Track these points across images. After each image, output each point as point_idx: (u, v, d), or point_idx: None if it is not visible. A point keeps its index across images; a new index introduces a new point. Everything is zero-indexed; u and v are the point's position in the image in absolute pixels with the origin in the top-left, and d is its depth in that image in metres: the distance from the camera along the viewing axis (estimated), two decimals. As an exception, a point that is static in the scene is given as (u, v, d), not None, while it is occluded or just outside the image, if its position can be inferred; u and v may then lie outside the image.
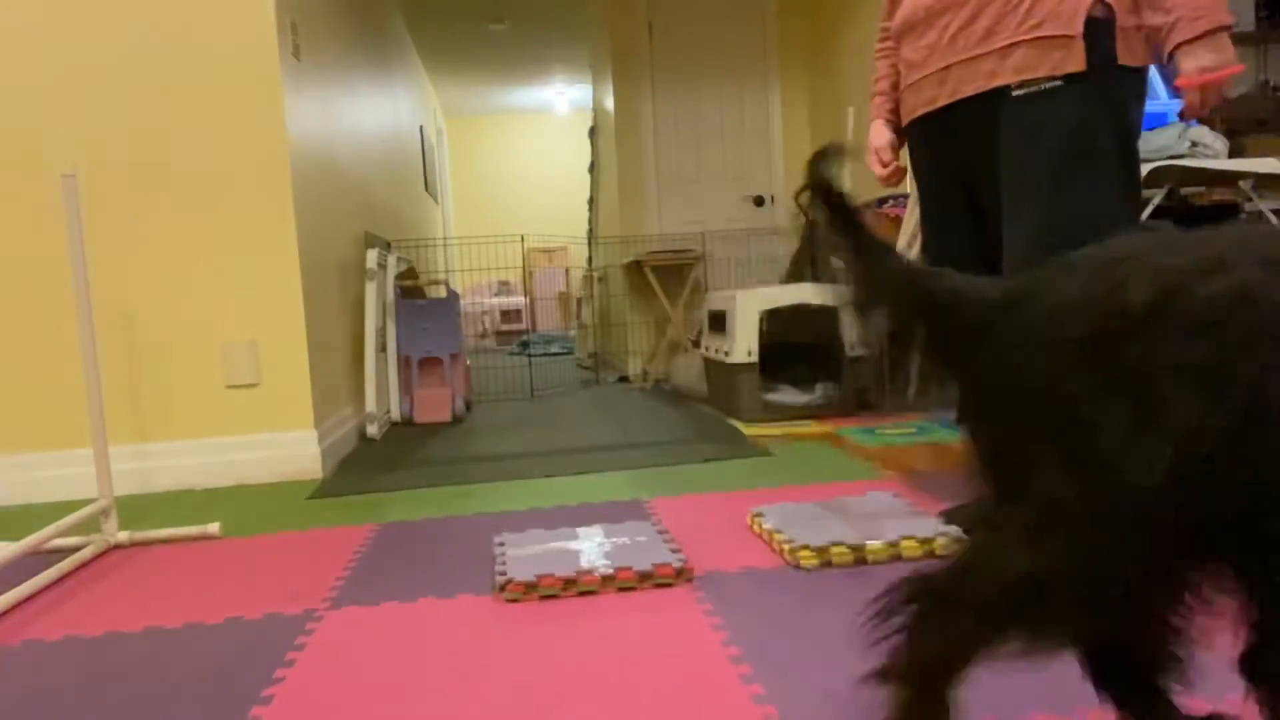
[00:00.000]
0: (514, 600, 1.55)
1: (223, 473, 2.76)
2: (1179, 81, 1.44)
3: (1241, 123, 4.46)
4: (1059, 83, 1.53)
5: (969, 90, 1.62)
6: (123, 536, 2.09)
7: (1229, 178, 3.20)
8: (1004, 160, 1.60)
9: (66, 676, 1.35)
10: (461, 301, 4.45)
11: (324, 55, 3.44)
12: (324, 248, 3.18)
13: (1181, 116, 1.48)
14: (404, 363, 3.97)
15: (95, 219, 2.70)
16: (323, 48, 3.42)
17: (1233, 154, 3.29)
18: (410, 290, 4.29)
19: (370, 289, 3.68)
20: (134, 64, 2.69)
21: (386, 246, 4.28)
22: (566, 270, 9.44)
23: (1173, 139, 3.17)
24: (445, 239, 8.31)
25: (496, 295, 9.50)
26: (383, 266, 3.82)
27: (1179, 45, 1.43)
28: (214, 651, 1.42)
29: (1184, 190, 3.50)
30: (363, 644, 1.40)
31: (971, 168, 1.69)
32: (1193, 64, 1.42)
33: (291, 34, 2.93)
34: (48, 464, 2.71)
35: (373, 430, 3.49)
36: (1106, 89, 1.50)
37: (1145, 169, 3.03)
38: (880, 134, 1.90)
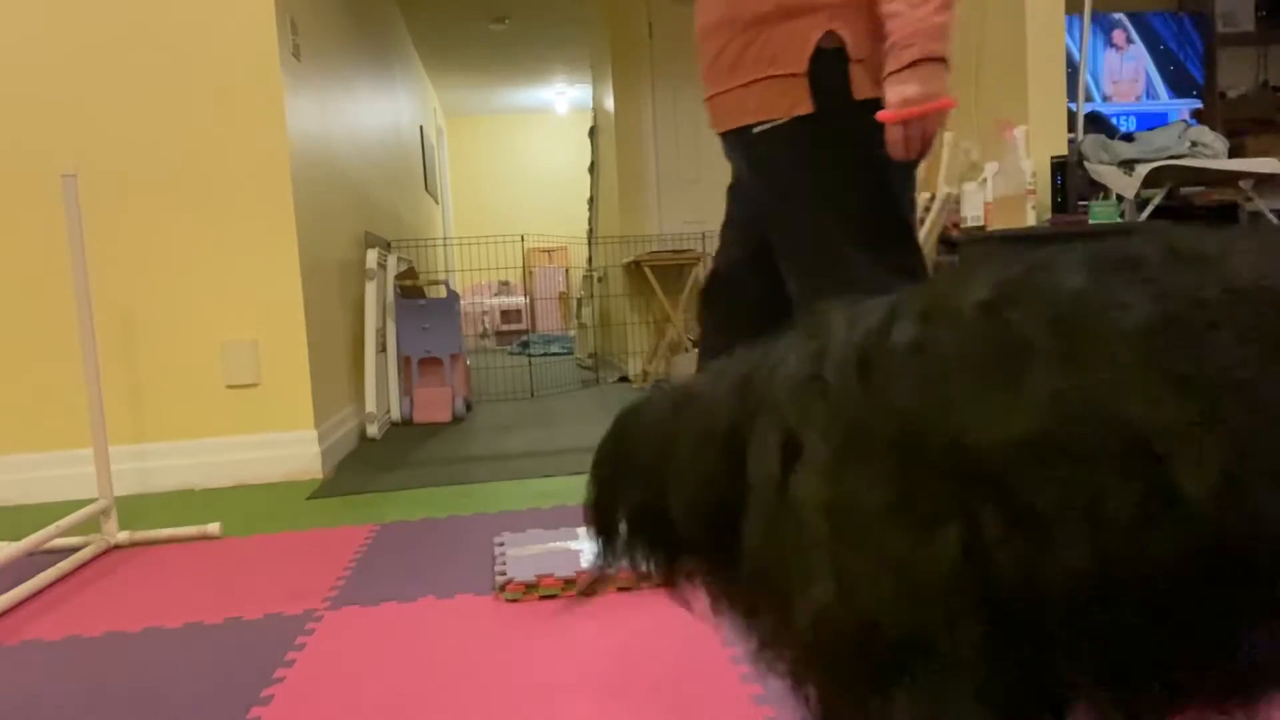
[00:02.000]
0: (514, 600, 1.55)
1: (223, 473, 2.76)
2: (878, 114, 1.32)
3: (1241, 123, 4.46)
4: (787, 121, 1.41)
5: (728, 124, 1.53)
6: (123, 536, 2.09)
7: (1229, 178, 3.20)
8: (753, 198, 1.55)
9: (66, 676, 1.35)
10: (461, 301, 4.45)
11: (324, 55, 3.44)
12: (324, 248, 3.18)
13: (891, 154, 1.34)
14: (404, 363, 3.97)
15: (95, 219, 2.70)
16: (323, 48, 3.42)
17: (1233, 154, 3.29)
18: (410, 290, 4.29)
19: (370, 289, 3.68)
20: (134, 64, 2.69)
21: (386, 246, 4.28)
22: (566, 270, 9.44)
23: (1173, 139, 3.17)
24: (445, 239, 8.31)
25: (496, 295, 9.49)
26: (383, 266, 3.82)
27: (888, 75, 1.31)
28: (214, 651, 1.42)
29: (1184, 190, 3.51)
30: (363, 644, 1.40)
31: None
32: (895, 95, 1.29)
33: (291, 34, 2.93)
34: (48, 464, 2.71)
35: (373, 430, 3.49)
36: (835, 127, 1.38)
37: (1145, 169, 3.03)
38: None
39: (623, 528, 0.79)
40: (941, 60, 1.28)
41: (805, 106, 1.39)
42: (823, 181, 1.42)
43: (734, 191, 1.63)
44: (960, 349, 0.58)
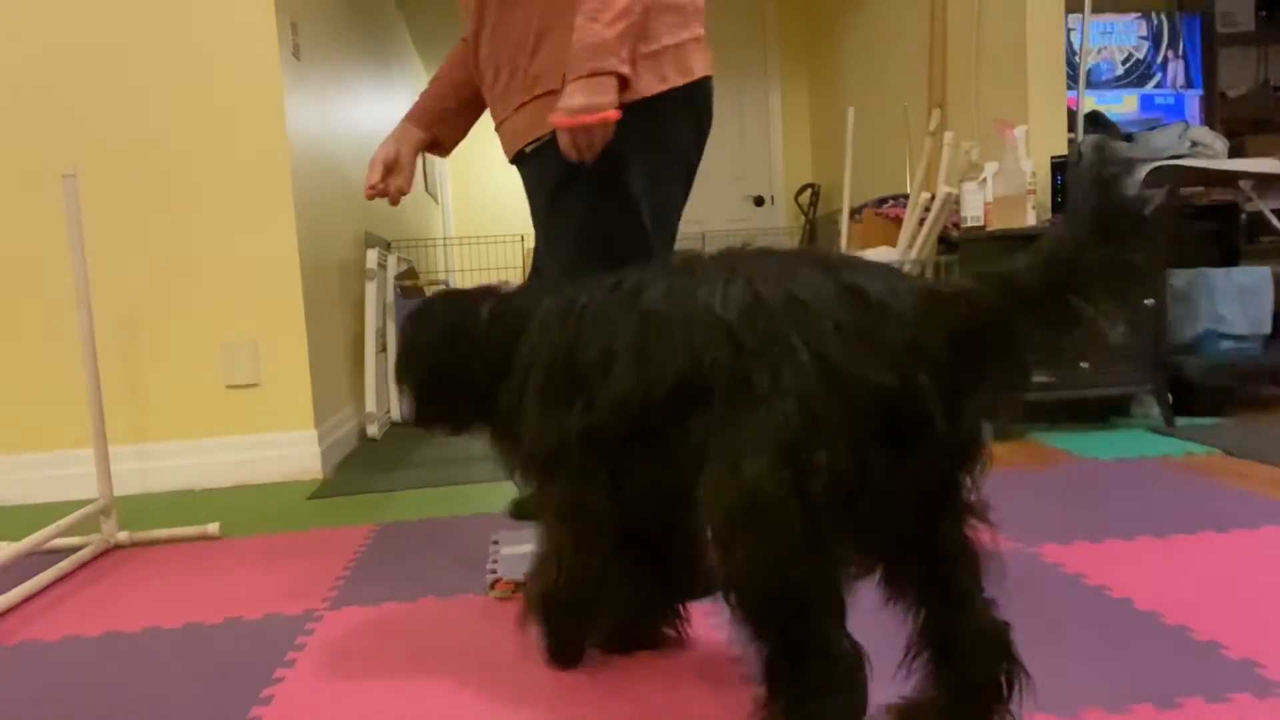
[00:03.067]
0: (504, 598, 1.55)
1: (223, 473, 2.76)
2: (550, 118, 1.38)
3: (1241, 123, 4.46)
4: (551, 136, 1.45)
5: (510, 151, 1.58)
6: (122, 536, 2.09)
7: (1229, 178, 3.20)
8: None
9: (66, 676, 1.35)
10: (461, 301, 4.42)
11: (324, 55, 3.44)
12: (324, 248, 3.18)
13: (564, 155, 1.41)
14: (404, 363, 3.95)
15: (95, 219, 2.70)
16: (323, 48, 3.42)
17: (1233, 154, 3.29)
18: (410, 290, 4.29)
19: (370, 289, 3.68)
20: (134, 64, 2.69)
21: (386, 246, 4.28)
22: (566, 270, 9.42)
23: (1173, 139, 3.17)
24: (445, 239, 8.31)
25: (496, 295, 9.47)
26: (383, 266, 3.82)
27: (566, 83, 1.37)
28: (214, 651, 1.42)
29: (1184, 190, 3.51)
30: (363, 644, 1.40)
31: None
32: (565, 104, 1.35)
33: (291, 34, 2.93)
34: (48, 464, 2.71)
35: (373, 430, 3.49)
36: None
37: (1145, 169, 3.03)
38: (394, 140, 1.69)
39: (421, 394, 1.33)
40: (610, 74, 1.34)
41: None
42: (571, 188, 1.46)
43: (534, 218, 1.66)
44: (593, 313, 1.11)
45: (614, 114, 1.34)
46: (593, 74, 1.33)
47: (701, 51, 1.53)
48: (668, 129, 1.49)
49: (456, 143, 1.74)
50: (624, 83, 1.37)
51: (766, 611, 0.91)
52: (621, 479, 1.10)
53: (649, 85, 1.45)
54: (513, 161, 1.61)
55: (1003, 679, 0.93)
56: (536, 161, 1.52)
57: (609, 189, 1.46)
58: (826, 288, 0.90)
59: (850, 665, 0.89)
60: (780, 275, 0.93)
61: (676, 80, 1.47)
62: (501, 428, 1.25)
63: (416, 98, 1.74)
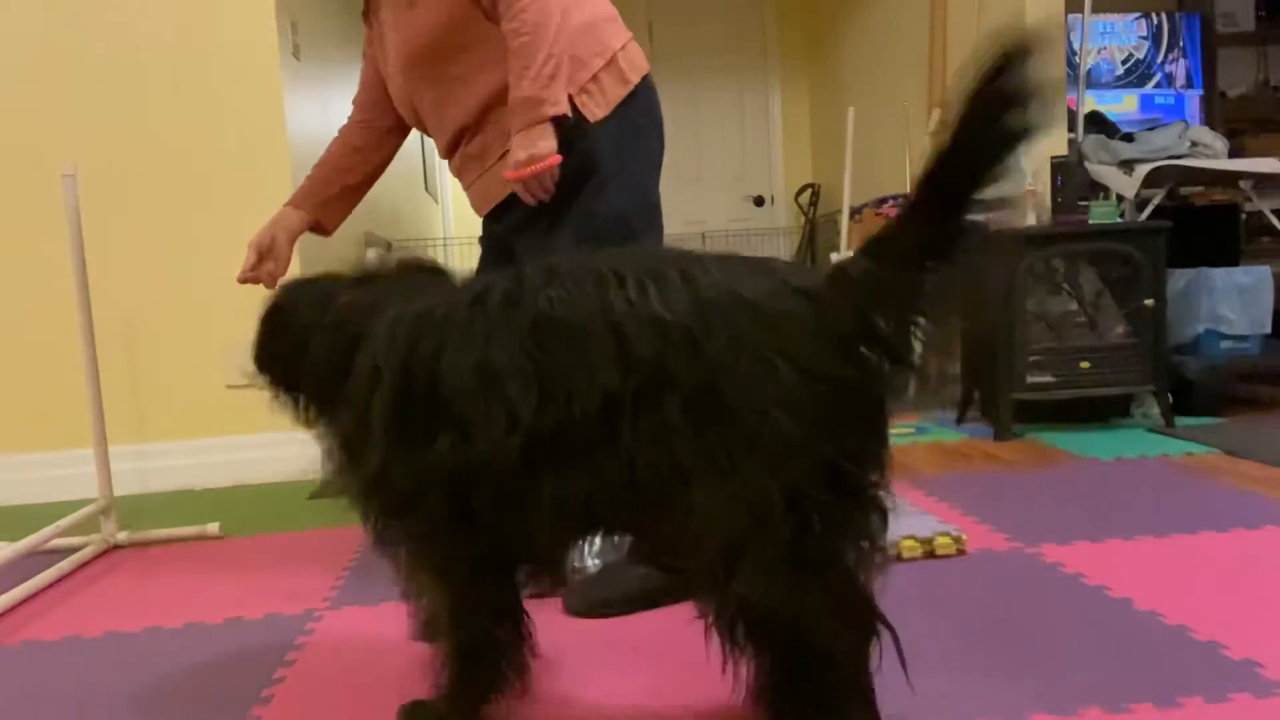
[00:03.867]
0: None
1: (223, 473, 2.76)
2: (504, 174, 1.49)
3: (1241, 123, 4.46)
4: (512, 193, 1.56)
5: (485, 209, 1.67)
6: (122, 536, 2.09)
7: (1229, 178, 3.20)
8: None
9: (66, 676, 1.35)
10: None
11: (324, 55, 3.44)
12: (324, 248, 3.17)
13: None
14: (404, 363, 3.95)
15: (95, 219, 2.70)
16: (323, 48, 3.42)
17: (1233, 154, 3.29)
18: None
19: (370, 289, 3.68)
20: (134, 64, 2.68)
21: (386, 246, 4.28)
22: (566, 270, 9.42)
23: (1173, 139, 3.17)
24: (445, 239, 8.31)
25: (496, 295, 9.47)
26: (383, 266, 3.81)
27: (513, 136, 1.46)
28: (214, 651, 1.42)
29: (1184, 190, 3.51)
30: (362, 644, 1.40)
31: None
32: (512, 157, 1.46)
33: (291, 34, 2.93)
34: (48, 464, 2.71)
35: (373, 430, 3.49)
36: (573, 150, 1.48)
37: (1145, 169, 3.03)
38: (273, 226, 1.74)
39: (269, 377, 1.22)
40: (543, 121, 1.44)
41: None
42: (560, 198, 1.52)
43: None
44: (456, 327, 0.98)
45: (554, 159, 1.44)
46: (529, 125, 1.44)
47: (636, 53, 1.61)
48: (628, 134, 1.57)
49: (338, 225, 1.83)
50: (559, 119, 1.46)
51: (782, 630, 0.88)
52: (510, 512, 0.97)
53: (600, 106, 1.54)
54: (485, 215, 1.70)
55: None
56: (514, 210, 1.58)
57: (593, 204, 1.53)
58: (765, 285, 0.88)
59: (861, 671, 0.89)
60: (712, 273, 0.90)
61: (621, 91, 1.56)
62: (341, 456, 1.12)
63: (303, 180, 1.80)
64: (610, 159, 1.53)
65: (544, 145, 1.44)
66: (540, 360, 0.92)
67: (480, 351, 0.95)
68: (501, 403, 0.93)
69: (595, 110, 1.53)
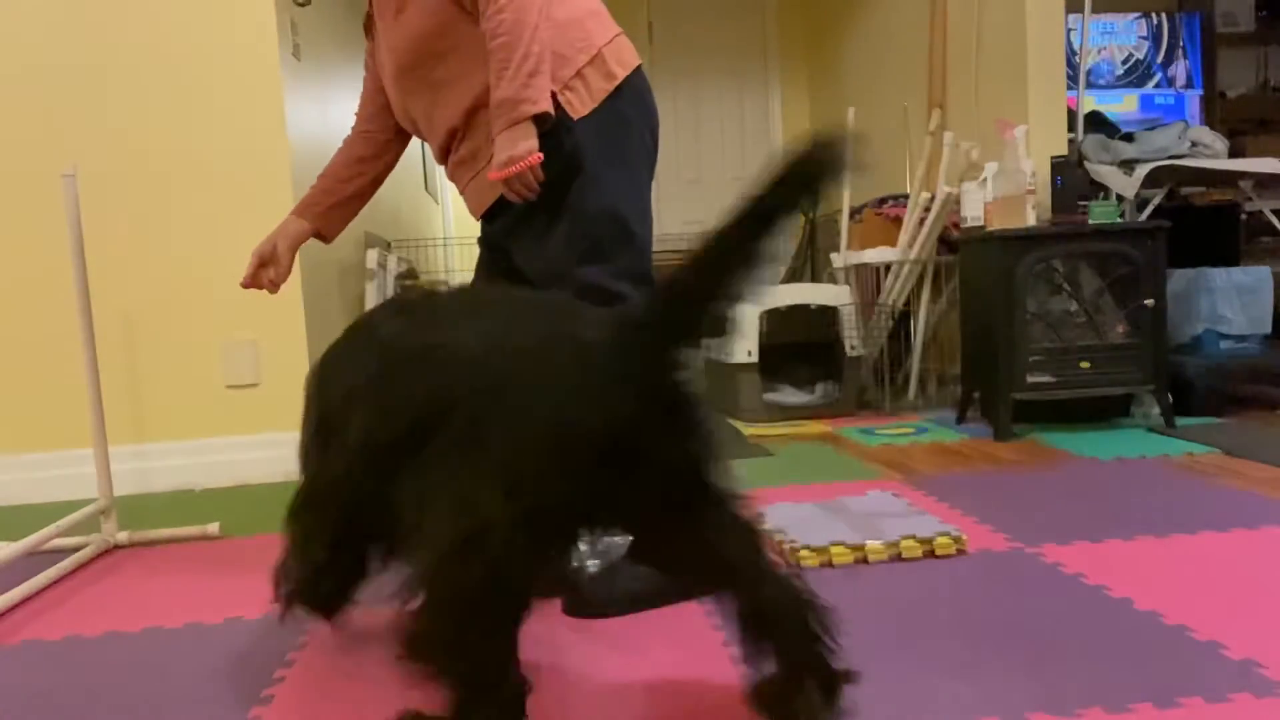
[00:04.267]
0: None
1: (223, 473, 2.76)
2: (488, 175, 1.51)
3: (1241, 123, 4.47)
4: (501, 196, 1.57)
5: (480, 210, 1.67)
6: (122, 537, 2.09)
7: (1229, 178, 3.20)
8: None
9: (66, 676, 1.35)
10: (461, 301, 4.42)
11: (324, 55, 3.44)
12: (324, 248, 3.18)
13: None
14: (404, 363, 3.95)
15: (95, 219, 2.70)
16: (323, 48, 3.42)
17: (1233, 154, 3.29)
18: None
19: (370, 289, 3.68)
20: (134, 63, 2.69)
21: (386, 246, 4.28)
22: (566, 270, 9.41)
23: (1173, 139, 3.17)
24: (445, 239, 8.31)
25: (496, 295, 9.47)
26: (383, 266, 3.82)
27: (495, 137, 1.46)
28: (214, 651, 1.42)
29: (1184, 190, 3.51)
30: (363, 643, 1.40)
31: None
32: (495, 158, 1.47)
33: (291, 34, 2.93)
34: (48, 464, 2.71)
35: (373, 430, 3.49)
36: (559, 148, 1.49)
37: (1145, 169, 3.03)
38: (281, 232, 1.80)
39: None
40: (524, 120, 1.44)
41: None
42: (548, 194, 1.53)
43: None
44: (338, 352, 1.20)
45: (535, 158, 1.45)
46: (510, 125, 1.45)
47: (623, 47, 1.60)
48: (615, 129, 1.56)
49: (338, 233, 1.88)
50: (542, 118, 1.45)
51: (459, 642, 0.99)
52: (365, 518, 1.14)
53: (584, 102, 1.54)
54: (481, 217, 1.70)
55: (813, 650, 0.97)
56: (507, 211, 1.59)
57: (583, 201, 1.53)
58: (547, 334, 0.96)
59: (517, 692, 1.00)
60: (511, 320, 0.99)
61: (607, 86, 1.55)
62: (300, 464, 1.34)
63: (308, 190, 1.84)
64: (597, 155, 1.52)
65: (524, 145, 1.44)
66: (378, 384, 1.07)
67: (350, 376, 1.13)
68: (357, 419, 1.09)
69: (580, 107, 1.52)
